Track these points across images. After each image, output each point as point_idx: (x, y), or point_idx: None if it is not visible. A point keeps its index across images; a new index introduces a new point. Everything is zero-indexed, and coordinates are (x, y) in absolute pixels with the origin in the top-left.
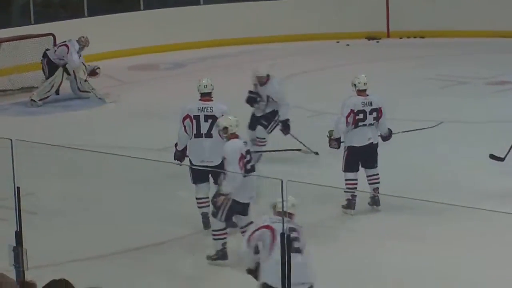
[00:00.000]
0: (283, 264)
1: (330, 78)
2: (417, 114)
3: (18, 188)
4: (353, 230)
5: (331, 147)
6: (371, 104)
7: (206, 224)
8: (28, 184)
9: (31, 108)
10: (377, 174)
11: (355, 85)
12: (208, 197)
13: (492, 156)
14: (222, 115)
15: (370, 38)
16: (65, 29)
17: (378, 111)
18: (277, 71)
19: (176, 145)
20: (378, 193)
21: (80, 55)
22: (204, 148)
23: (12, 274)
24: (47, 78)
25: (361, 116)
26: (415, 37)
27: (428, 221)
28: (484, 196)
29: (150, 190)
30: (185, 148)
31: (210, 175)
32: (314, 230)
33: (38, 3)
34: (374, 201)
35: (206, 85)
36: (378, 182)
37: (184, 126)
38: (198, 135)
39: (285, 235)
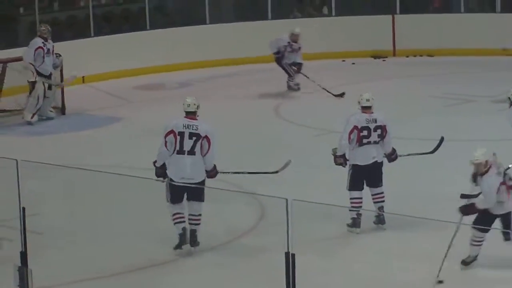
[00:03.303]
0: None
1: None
2: (423, 133)
3: (24, 208)
4: (358, 248)
5: (336, 164)
6: (375, 121)
7: (183, 241)
8: (33, 205)
9: (37, 127)
10: (382, 192)
11: (359, 102)
12: (183, 212)
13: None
14: (206, 135)
15: (375, 56)
16: (72, 49)
17: (383, 129)
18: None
19: (155, 162)
20: (383, 212)
21: (46, 50)
22: (186, 165)
23: None
24: (30, 92)
25: (365, 133)
26: (421, 55)
27: (434, 240)
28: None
29: (155, 210)
30: (164, 164)
31: (186, 193)
32: (320, 248)
33: (45, 23)
34: (380, 220)
35: (190, 104)
36: (383, 201)
37: (166, 142)
38: (181, 151)
39: (290, 254)
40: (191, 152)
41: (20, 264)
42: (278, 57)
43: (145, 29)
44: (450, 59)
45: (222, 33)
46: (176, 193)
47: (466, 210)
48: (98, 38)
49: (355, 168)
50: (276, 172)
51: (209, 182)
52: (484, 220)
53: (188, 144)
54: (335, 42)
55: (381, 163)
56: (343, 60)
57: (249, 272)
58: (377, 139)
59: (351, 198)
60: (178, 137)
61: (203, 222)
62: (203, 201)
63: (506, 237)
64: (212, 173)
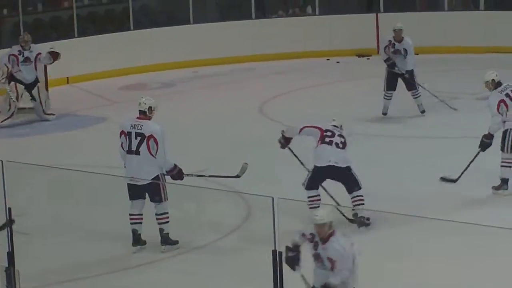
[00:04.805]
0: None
1: (322, 95)
2: (407, 131)
3: (10, 209)
4: None
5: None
6: (341, 132)
7: (136, 241)
8: (19, 205)
9: (21, 128)
10: (358, 195)
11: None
12: (141, 214)
13: (444, 179)
14: (151, 135)
15: (360, 55)
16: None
17: (345, 140)
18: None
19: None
20: (357, 218)
21: (23, 59)
22: (133, 165)
23: None
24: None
25: (328, 133)
26: None
27: (424, 236)
28: (478, 210)
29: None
30: None
31: (146, 193)
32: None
33: (29, 24)
34: (360, 223)
35: (140, 103)
36: (361, 204)
37: (121, 142)
38: (129, 151)
39: (277, 252)
40: (137, 151)
41: (7, 265)
42: (391, 64)
43: (129, 29)
44: (434, 57)
45: (206, 32)
46: (131, 191)
47: None
48: (82, 38)
49: (314, 169)
50: (238, 176)
51: (195, 181)
52: None
53: (134, 143)
54: (319, 41)
55: (346, 168)
56: (328, 59)
57: (236, 270)
58: (340, 144)
59: (307, 197)
60: (127, 137)
61: (189, 221)
62: (160, 201)
63: None
64: (173, 173)
